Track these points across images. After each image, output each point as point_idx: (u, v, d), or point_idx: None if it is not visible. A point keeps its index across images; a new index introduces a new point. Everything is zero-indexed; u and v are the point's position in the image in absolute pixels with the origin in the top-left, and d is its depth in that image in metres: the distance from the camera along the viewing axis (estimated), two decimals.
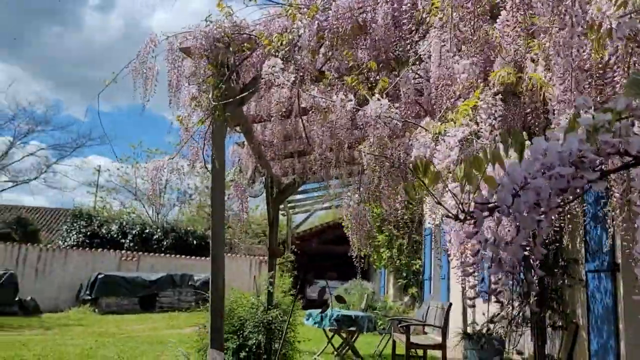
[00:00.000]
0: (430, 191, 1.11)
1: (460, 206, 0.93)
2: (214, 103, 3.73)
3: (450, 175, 2.23)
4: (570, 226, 6.49)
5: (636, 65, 1.67)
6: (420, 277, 12.99)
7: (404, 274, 13.23)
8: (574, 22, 1.71)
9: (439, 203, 1.00)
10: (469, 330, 8.50)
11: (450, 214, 0.94)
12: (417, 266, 12.96)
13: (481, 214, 0.89)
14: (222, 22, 3.66)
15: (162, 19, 57.01)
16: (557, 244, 6.61)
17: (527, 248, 0.96)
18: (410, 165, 2.78)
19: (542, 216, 0.86)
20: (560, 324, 6.86)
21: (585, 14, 1.77)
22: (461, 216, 0.92)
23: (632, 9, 1.49)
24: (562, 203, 0.89)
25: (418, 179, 2.62)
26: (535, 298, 7.05)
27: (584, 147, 0.88)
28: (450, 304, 7.99)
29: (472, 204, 0.96)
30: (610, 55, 1.72)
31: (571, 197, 0.88)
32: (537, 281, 6.59)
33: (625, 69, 1.76)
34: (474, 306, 8.78)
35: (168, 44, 3.92)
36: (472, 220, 0.93)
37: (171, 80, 3.97)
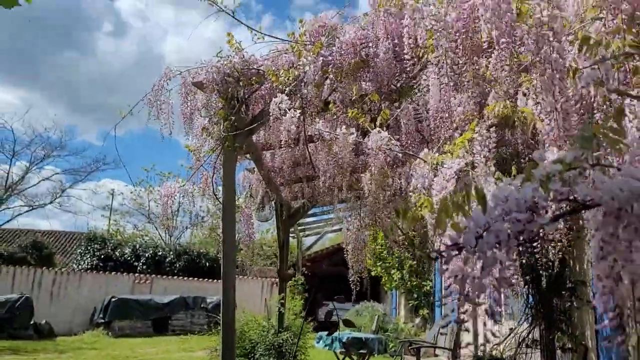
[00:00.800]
0: (403, 233, 1.26)
1: (433, 246, 1.08)
2: (224, 134, 3.91)
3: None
4: (575, 250, 6.57)
5: (606, 106, 1.81)
6: (431, 298, 13.00)
7: (415, 295, 13.25)
8: (553, 68, 1.86)
9: (412, 244, 1.14)
10: (479, 352, 8.51)
11: (425, 254, 1.08)
12: (428, 287, 12.98)
13: (450, 253, 1.03)
14: (232, 57, 3.86)
15: (173, 43, 58.08)
16: (564, 266, 6.68)
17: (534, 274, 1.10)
18: (414, 196, 2.92)
19: (504, 254, 1.00)
20: (569, 346, 6.88)
21: (564, 59, 1.92)
22: (433, 255, 1.06)
23: (597, 58, 1.64)
24: (521, 243, 1.03)
25: (416, 212, 2.75)
26: (544, 320, 7.09)
27: (537, 194, 1.02)
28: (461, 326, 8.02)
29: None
30: (577, 101, 1.86)
31: (528, 239, 1.02)
32: (545, 303, 6.61)
33: (603, 109, 1.91)
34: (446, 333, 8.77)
35: (181, 78, 4.13)
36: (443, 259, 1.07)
37: (184, 112, 4.17)
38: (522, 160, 3.13)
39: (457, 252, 1.08)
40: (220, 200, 3.97)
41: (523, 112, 2.90)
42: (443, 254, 1.06)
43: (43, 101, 43.61)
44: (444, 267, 1.10)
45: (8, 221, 23.89)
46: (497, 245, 1.04)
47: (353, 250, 3.94)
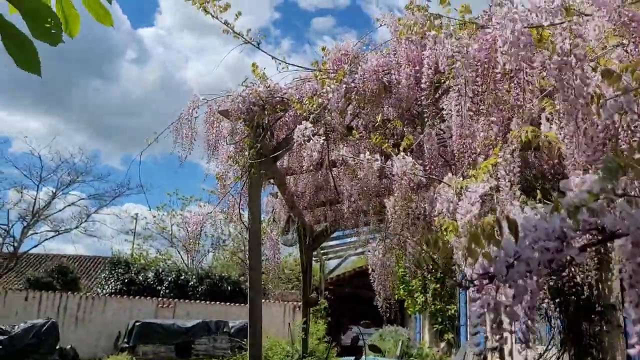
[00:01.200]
0: (432, 260, 1.29)
1: (458, 270, 1.11)
2: (250, 161, 3.99)
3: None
4: (603, 273, 6.47)
5: (631, 133, 1.83)
6: (456, 322, 12.81)
7: (440, 319, 13.07)
8: (576, 95, 1.89)
9: (444, 273, 1.18)
10: None
11: (455, 282, 1.11)
12: (453, 311, 12.81)
13: (482, 282, 1.07)
14: (257, 86, 3.96)
15: (194, 68, 59.19)
16: (593, 290, 6.55)
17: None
18: (438, 220, 2.94)
19: (534, 283, 1.02)
20: None
21: (587, 86, 1.94)
22: (465, 284, 1.09)
23: (622, 87, 1.66)
24: (550, 272, 1.05)
25: (440, 236, 2.78)
26: (574, 345, 6.94)
27: (565, 224, 1.05)
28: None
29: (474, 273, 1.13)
30: (601, 129, 1.89)
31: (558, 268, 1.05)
32: (574, 328, 6.50)
33: (628, 136, 1.93)
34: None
35: (208, 107, 4.24)
36: (475, 288, 1.10)
37: (209, 139, 4.27)
38: (546, 182, 3.14)
39: (488, 281, 1.11)
40: (247, 226, 4.03)
41: (547, 137, 2.93)
42: (474, 282, 1.09)
43: (68, 128, 44.71)
44: (476, 295, 1.12)
45: (35, 246, 24.34)
46: (528, 274, 1.07)
47: (379, 275, 3.95)
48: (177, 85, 53.93)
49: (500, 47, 1.92)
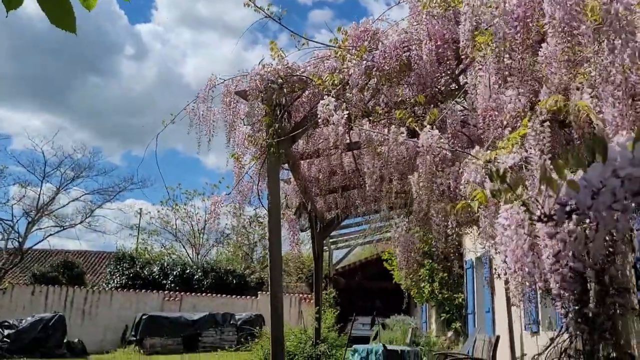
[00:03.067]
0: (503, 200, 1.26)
1: (541, 209, 1.07)
2: (268, 141, 3.95)
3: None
4: (616, 256, 6.43)
5: None
6: (464, 311, 12.80)
7: (447, 308, 13.06)
8: (623, 44, 1.84)
9: (525, 207, 1.14)
10: None
11: (534, 216, 1.08)
12: (460, 300, 12.79)
13: (563, 214, 1.03)
14: (276, 64, 3.92)
15: (192, 63, 59.04)
16: (607, 272, 6.53)
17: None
18: (465, 189, 2.91)
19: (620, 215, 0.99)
20: (614, 355, 6.69)
21: (634, 35, 1.90)
22: (544, 218, 1.06)
23: None
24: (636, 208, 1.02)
25: (467, 204, 2.74)
26: (587, 328, 6.92)
27: None
28: (498, 337, 7.88)
29: (546, 206, 1.10)
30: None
31: None
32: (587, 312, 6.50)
33: None
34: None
35: (224, 87, 4.19)
36: (553, 222, 1.06)
37: (227, 120, 4.23)
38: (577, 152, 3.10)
39: (567, 215, 1.07)
40: (268, 205, 4.00)
41: (577, 106, 2.89)
42: (554, 216, 1.06)
43: (68, 124, 44.65)
44: (553, 230, 1.09)
45: (40, 242, 24.32)
46: (611, 205, 1.03)
47: (402, 253, 3.91)
48: (176, 80, 53.79)
49: None
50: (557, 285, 1.12)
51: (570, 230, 1.03)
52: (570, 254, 1.05)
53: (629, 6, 1.75)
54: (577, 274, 1.17)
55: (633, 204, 1.01)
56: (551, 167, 1.23)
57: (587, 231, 1.05)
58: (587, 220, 1.02)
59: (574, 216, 1.05)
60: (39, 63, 36.83)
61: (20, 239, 22.19)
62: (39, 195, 23.48)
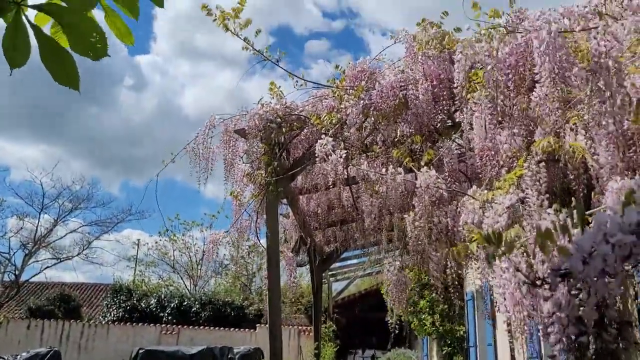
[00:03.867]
0: (488, 260, 1.27)
1: (533, 273, 1.08)
2: (267, 179, 3.98)
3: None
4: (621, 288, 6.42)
5: None
6: (465, 344, 12.64)
7: (448, 341, 12.89)
8: (613, 95, 1.88)
9: (517, 269, 1.15)
10: None
11: (527, 280, 1.09)
12: (461, 332, 12.64)
13: (556, 279, 1.04)
14: (275, 104, 3.97)
15: (191, 94, 59.53)
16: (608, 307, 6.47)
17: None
18: (464, 231, 2.93)
19: (612, 280, 1.00)
20: None
21: (623, 87, 1.94)
22: (537, 282, 1.07)
23: None
24: (628, 270, 1.03)
25: (465, 246, 2.76)
26: None
27: None
28: None
29: (540, 270, 1.11)
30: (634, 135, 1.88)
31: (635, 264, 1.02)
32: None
33: None
34: None
35: (223, 125, 4.24)
36: (547, 285, 1.07)
37: (226, 158, 4.26)
38: (572, 194, 3.12)
39: (560, 279, 1.08)
40: (266, 242, 4.00)
41: (571, 147, 2.92)
42: (547, 280, 1.07)
43: (66, 155, 44.75)
44: (548, 294, 1.10)
45: (36, 274, 24.14)
46: (603, 271, 1.04)
47: (394, 292, 3.90)
48: (174, 111, 54.14)
49: (536, 47, 1.93)
50: (553, 345, 1.12)
51: (556, 298, 1.04)
52: (564, 317, 1.06)
53: (617, 59, 1.80)
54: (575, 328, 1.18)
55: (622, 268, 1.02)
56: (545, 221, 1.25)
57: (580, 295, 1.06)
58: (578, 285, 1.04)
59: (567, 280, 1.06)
60: (36, 93, 37.11)
61: (17, 272, 22.03)
62: (37, 227, 23.43)
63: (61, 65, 1.69)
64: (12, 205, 29.09)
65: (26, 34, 1.66)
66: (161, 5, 1.86)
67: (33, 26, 1.66)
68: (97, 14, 1.84)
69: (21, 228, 23.19)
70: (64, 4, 1.62)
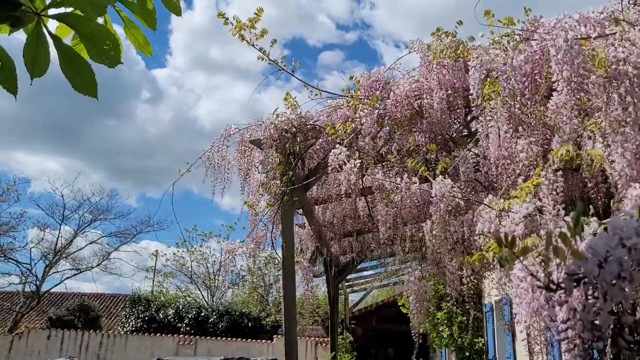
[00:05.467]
0: (502, 264, 1.26)
1: (548, 278, 1.07)
2: (282, 189, 3.99)
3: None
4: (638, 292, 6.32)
5: None
6: (484, 356, 12.46)
7: (467, 354, 12.72)
8: (635, 102, 1.86)
9: (532, 274, 1.14)
10: None
11: (541, 284, 1.08)
12: (480, 344, 12.47)
13: (571, 283, 1.03)
14: (289, 114, 4.00)
15: (206, 106, 60.12)
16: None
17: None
18: (480, 241, 2.91)
19: (627, 285, 0.98)
20: None
21: None
22: (552, 286, 1.06)
23: None
24: None
25: (481, 255, 2.74)
26: None
27: None
28: None
29: (554, 276, 1.09)
30: None
31: None
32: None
33: None
34: None
35: (239, 136, 4.28)
36: (562, 290, 1.06)
37: (242, 168, 4.29)
38: (591, 203, 3.08)
39: (575, 284, 1.07)
40: (282, 253, 4.01)
41: (589, 155, 2.89)
42: (562, 285, 1.05)
43: (85, 167, 45.40)
44: (562, 299, 1.08)
45: (57, 284, 24.41)
46: (619, 275, 1.03)
47: (415, 302, 3.87)
48: (190, 123, 54.67)
49: (553, 55, 1.91)
50: (568, 352, 1.11)
51: (570, 304, 1.02)
52: (580, 322, 1.04)
53: (637, 65, 1.78)
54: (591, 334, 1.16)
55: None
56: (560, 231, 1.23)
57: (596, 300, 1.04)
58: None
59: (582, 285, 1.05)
60: (55, 107, 37.78)
61: (38, 282, 22.30)
62: (57, 238, 23.72)
63: (80, 74, 1.73)
64: (33, 217, 29.42)
65: (46, 44, 1.70)
66: (179, 13, 1.90)
67: (53, 36, 1.70)
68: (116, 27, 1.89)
69: (42, 239, 23.51)
70: (80, 13, 1.66)
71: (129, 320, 20.42)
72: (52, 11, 1.72)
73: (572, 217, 1.25)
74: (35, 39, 1.70)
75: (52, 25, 1.75)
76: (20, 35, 1.75)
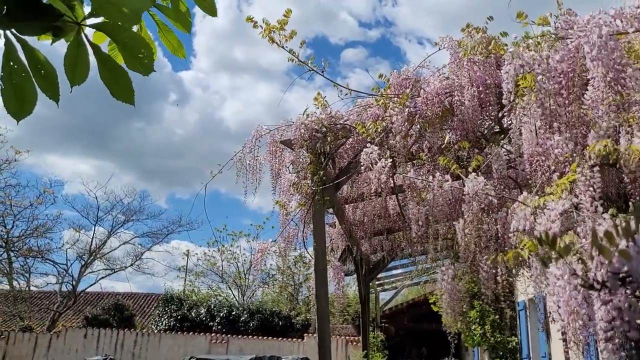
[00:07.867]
0: (544, 263, 1.25)
1: (593, 276, 1.06)
2: (314, 188, 4.01)
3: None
4: None
5: None
6: (518, 355, 12.28)
7: (500, 353, 12.55)
8: None
9: (574, 274, 1.13)
10: None
11: (585, 284, 1.07)
12: (514, 343, 12.29)
13: (616, 282, 1.02)
14: (319, 114, 4.01)
15: (231, 107, 60.56)
16: None
17: None
18: (515, 238, 2.87)
19: None
20: None
21: None
22: (596, 285, 1.05)
23: None
24: None
25: (516, 253, 2.71)
26: None
27: None
28: None
29: (598, 274, 1.08)
30: None
31: None
32: None
33: None
34: None
35: (270, 136, 4.31)
36: (606, 289, 1.04)
37: (273, 168, 4.33)
38: (629, 199, 3.01)
39: (620, 283, 1.05)
40: (313, 251, 4.03)
41: (627, 150, 2.82)
42: (606, 284, 1.04)
43: (115, 169, 46.30)
44: (607, 298, 1.07)
45: (92, 284, 24.97)
46: None
47: (448, 301, 3.85)
48: (216, 124, 55.16)
49: (588, 52, 1.88)
50: (614, 352, 1.09)
51: (615, 303, 1.01)
52: (626, 322, 1.03)
53: None
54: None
55: None
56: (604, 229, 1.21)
57: None
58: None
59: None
60: (85, 111, 38.58)
61: (74, 282, 22.85)
62: (92, 239, 24.26)
63: (118, 81, 1.77)
64: (68, 218, 30.17)
65: (86, 52, 1.75)
66: (214, 14, 1.94)
67: (92, 45, 1.75)
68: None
69: (77, 240, 24.07)
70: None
71: (162, 319, 20.78)
72: (91, 21, 1.77)
73: (623, 218, 1.22)
74: (76, 48, 1.75)
75: (89, 32, 1.79)
76: (58, 44, 1.80)
